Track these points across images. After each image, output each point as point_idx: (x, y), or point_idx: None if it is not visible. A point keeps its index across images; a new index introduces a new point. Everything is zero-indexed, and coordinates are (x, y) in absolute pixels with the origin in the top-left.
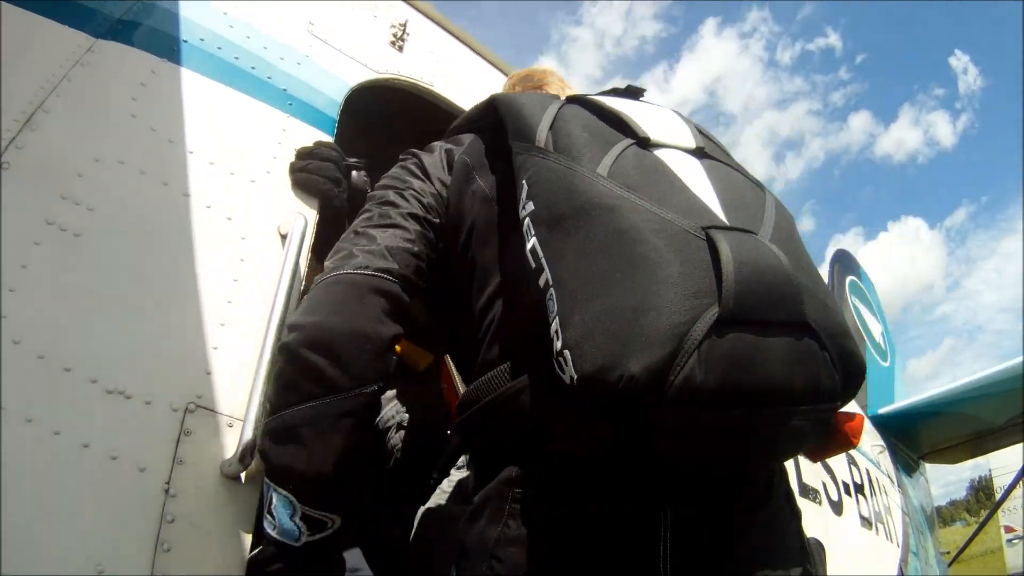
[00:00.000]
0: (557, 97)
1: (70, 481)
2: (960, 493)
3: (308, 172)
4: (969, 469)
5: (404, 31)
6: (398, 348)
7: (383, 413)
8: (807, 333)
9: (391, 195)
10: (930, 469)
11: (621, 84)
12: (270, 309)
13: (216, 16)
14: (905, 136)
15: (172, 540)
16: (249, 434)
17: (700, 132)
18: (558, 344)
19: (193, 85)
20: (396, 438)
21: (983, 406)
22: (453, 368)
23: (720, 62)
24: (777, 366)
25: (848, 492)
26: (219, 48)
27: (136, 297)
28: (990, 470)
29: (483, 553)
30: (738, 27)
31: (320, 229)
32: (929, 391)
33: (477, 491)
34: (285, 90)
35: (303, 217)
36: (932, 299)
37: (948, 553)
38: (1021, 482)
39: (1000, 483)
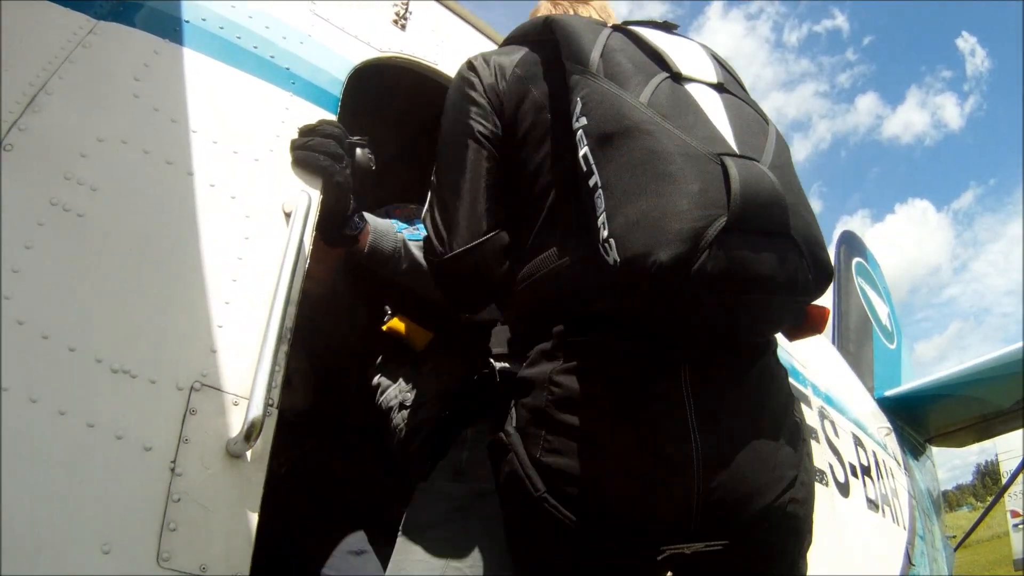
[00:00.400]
0: (604, 24)
1: (75, 461)
2: (966, 478)
3: (309, 149)
4: (975, 454)
5: (407, 9)
6: (401, 328)
7: (387, 394)
8: (790, 241)
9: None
10: (936, 453)
11: (658, 18)
12: (275, 287)
13: None
14: (912, 118)
15: (178, 519)
16: (255, 412)
17: (721, 66)
18: (604, 233)
19: (195, 65)
20: (399, 418)
21: (990, 389)
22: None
23: (727, 43)
24: (765, 264)
25: (855, 474)
26: (221, 28)
27: (140, 277)
28: (996, 454)
29: (542, 383)
30: (744, 8)
31: (323, 206)
32: (936, 374)
33: (525, 350)
34: (288, 69)
35: (307, 195)
36: (939, 281)
37: (954, 537)
38: None
39: (1007, 467)
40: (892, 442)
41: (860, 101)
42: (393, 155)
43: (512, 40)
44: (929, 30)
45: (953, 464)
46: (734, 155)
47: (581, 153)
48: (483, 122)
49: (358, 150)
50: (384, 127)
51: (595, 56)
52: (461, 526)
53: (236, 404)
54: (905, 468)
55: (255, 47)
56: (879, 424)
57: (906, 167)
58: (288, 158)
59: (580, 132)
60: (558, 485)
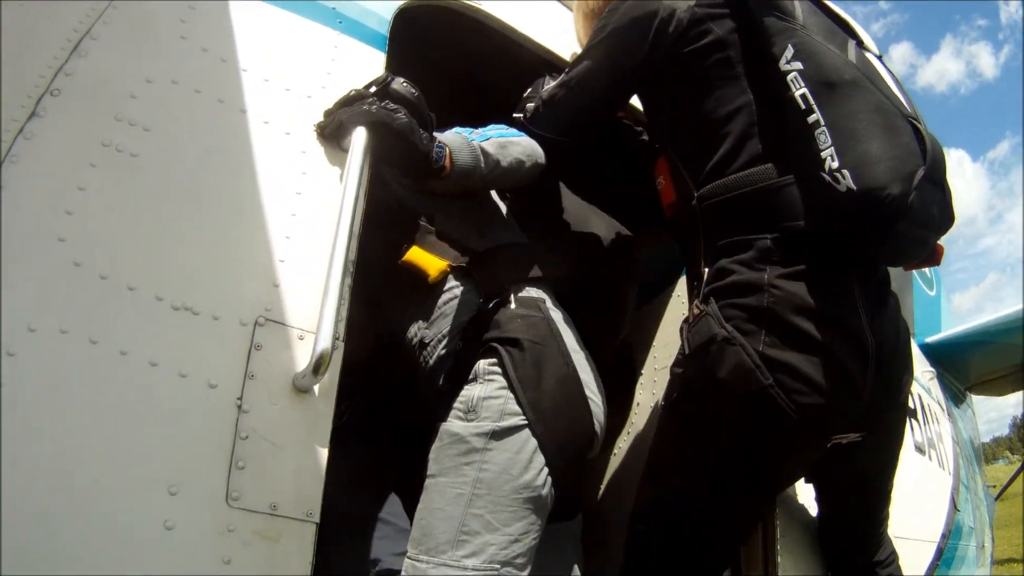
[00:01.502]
0: None
1: (139, 401)
2: (1003, 430)
3: (354, 112)
4: (1012, 406)
5: None
6: (415, 259)
7: (408, 334)
8: (944, 192)
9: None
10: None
11: None
12: (336, 220)
13: None
14: (947, 67)
15: (247, 456)
16: (323, 344)
17: None
18: (834, 164)
19: (242, 6)
20: (421, 359)
21: None
22: (670, 168)
23: None
24: (935, 207)
25: None
26: None
27: (198, 214)
28: None
29: (760, 286)
30: None
31: (398, 153)
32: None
33: (722, 256)
34: (334, 8)
35: (363, 128)
36: (975, 232)
37: (994, 487)
38: None
39: None
40: (936, 388)
41: (894, 50)
42: (437, 99)
43: None
44: None
45: (989, 416)
46: (912, 116)
47: (798, 93)
48: (653, 34)
49: (393, 85)
50: (427, 70)
51: (798, 12)
52: (479, 467)
53: (302, 338)
54: (948, 415)
55: None
56: (923, 368)
57: (942, 116)
58: (340, 94)
59: (794, 74)
60: (781, 377)
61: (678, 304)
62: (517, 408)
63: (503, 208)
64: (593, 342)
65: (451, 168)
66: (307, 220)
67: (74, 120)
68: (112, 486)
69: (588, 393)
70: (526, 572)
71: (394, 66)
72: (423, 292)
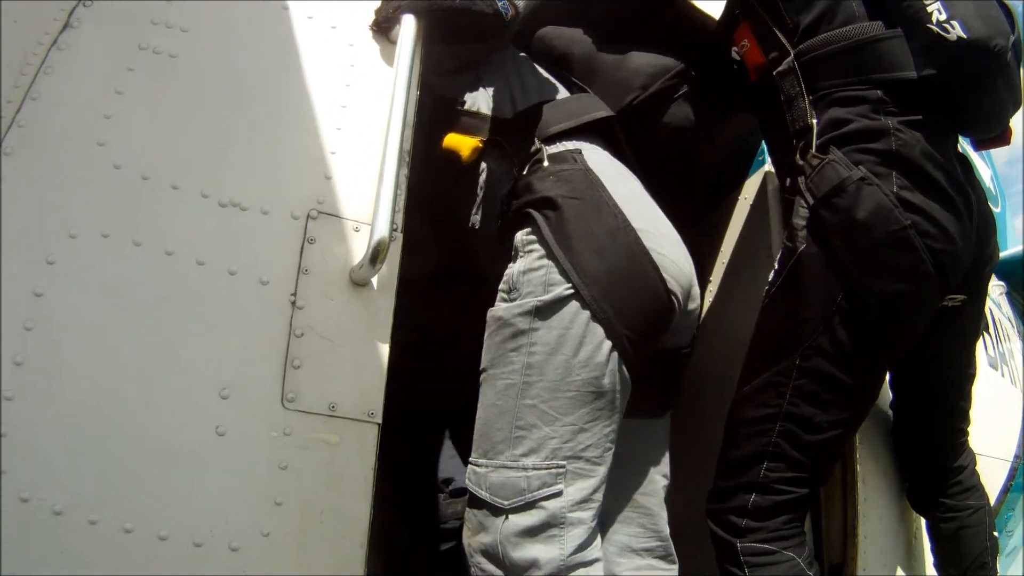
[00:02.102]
0: None
1: (186, 301)
2: None
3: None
4: None
5: None
6: (451, 141)
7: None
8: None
9: None
10: None
11: None
12: (389, 111)
13: None
14: None
15: (302, 355)
16: (380, 233)
17: None
18: (942, 16)
19: None
20: (480, 241)
21: None
22: (755, 30)
23: None
24: (1016, 76)
25: None
26: None
27: (242, 111)
28: None
29: (887, 131)
30: None
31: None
32: None
33: (828, 103)
34: None
35: (411, 16)
36: None
37: None
38: None
39: None
40: (1005, 304)
41: None
42: None
43: None
44: None
45: None
46: None
47: None
48: None
49: None
50: None
51: None
52: (527, 350)
53: (357, 230)
54: (1019, 332)
55: None
56: (994, 282)
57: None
58: None
59: None
60: (917, 219)
61: (745, 208)
62: (560, 277)
63: (541, 71)
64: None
65: (518, 9)
66: (358, 112)
67: (109, 27)
68: (161, 391)
69: (650, 244)
70: (603, 467)
71: None
72: (465, 176)
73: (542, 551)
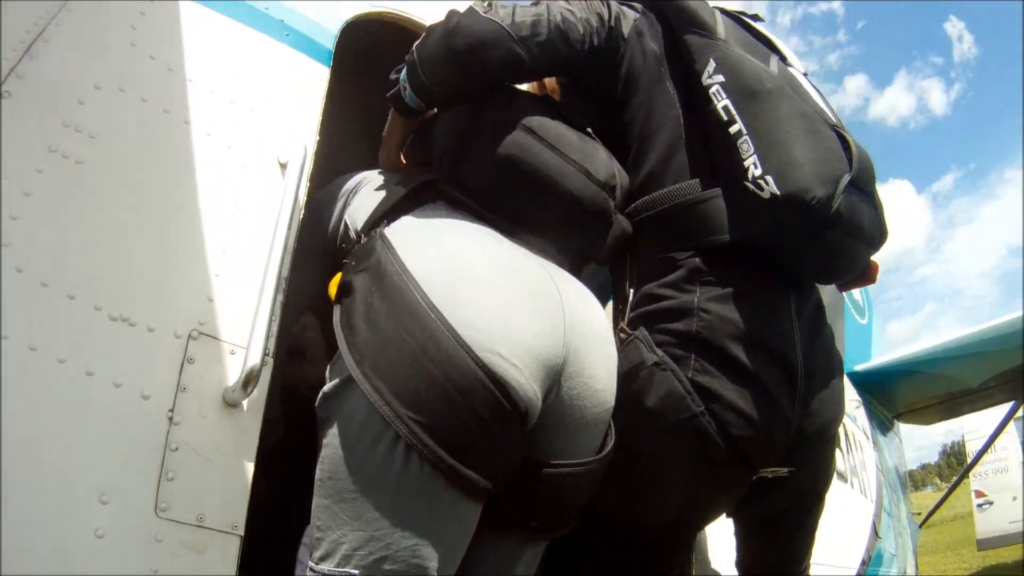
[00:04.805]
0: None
1: (74, 409)
2: (932, 457)
3: None
4: (941, 434)
5: None
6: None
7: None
8: (873, 202)
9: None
10: (902, 433)
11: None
12: (271, 237)
13: None
14: (899, 101)
15: (176, 468)
16: (253, 360)
17: None
18: (756, 171)
19: (191, 15)
20: None
21: (959, 368)
22: None
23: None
24: (864, 216)
25: None
26: None
27: (138, 224)
28: (963, 435)
29: (690, 310)
30: None
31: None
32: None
33: (646, 279)
34: (282, 21)
35: (303, 146)
36: (913, 262)
37: (919, 515)
38: (991, 447)
39: (972, 448)
40: (861, 416)
41: (848, 82)
42: (385, 114)
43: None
44: (920, 16)
45: (919, 444)
46: (837, 126)
47: (720, 105)
48: (594, 24)
49: None
50: (373, 87)
51: (720, 28)
52: (322, 442)
53: (233, 353)
54: (873, 442)
55: None
56: (849, 396)
57: (890, 149)
58: (283, 109)
59: (716, 87)
60: (713, 407)
61: None
62: (345, 359)
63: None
64: None
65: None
66: (244, 235)
67: (24, 124)
68: (44, 491)
69: (444, 312)
70: None
71: (343, 77)
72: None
73: None
